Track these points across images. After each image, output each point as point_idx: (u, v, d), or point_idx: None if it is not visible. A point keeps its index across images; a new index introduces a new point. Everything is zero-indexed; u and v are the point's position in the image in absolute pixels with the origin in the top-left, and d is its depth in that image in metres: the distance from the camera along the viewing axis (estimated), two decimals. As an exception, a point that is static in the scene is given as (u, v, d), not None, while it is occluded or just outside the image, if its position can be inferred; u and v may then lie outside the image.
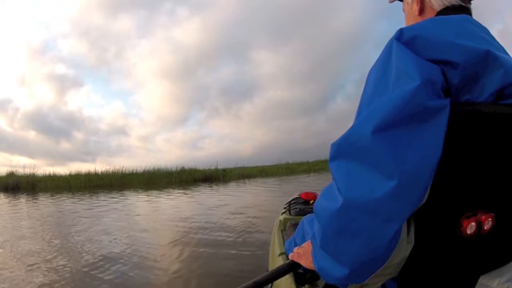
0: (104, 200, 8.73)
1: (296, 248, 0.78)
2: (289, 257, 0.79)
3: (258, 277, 0.74)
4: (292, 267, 0.77)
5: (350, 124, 0.53)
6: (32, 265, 3.05)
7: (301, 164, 20.50)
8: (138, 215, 6.14)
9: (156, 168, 16.45)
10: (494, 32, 0.61)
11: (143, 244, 3.78)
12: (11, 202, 9.37)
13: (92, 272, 2.80)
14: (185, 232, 4.26)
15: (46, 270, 2.88)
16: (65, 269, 2.90)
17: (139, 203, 8.02)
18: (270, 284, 0.92)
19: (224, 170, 17.09)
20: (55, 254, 3.43)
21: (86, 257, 3.25)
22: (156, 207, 7.11)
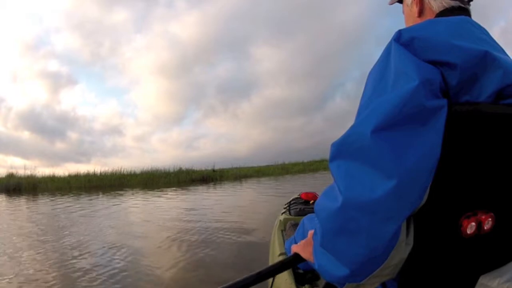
0: (105, 200, 8.72)
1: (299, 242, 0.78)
2: (292, 249, 0.79)
3: (262, 269, 0.76)
4: (295, 260, 0.77)
5: (348, 123, 0.54)
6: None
7: (296, 164, 20.61)
8: (138, 215, 6.12)
9: (154, 168, 16.55)
10: (497, 30, 0.62)
11: (143, 243, 3.76)
12: (16, 203, 9.30)
13: (86, 270, 2.78)
14: (185, 230, 4.30)
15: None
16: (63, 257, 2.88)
17: (139, 203, 7.97)
18: (271, 283, 0.93)
19: (220, 171, 17.12)
20: (61, 247, 3.42)
21: (87, 255, 3.23)
22: (157, 207, 7.07)
